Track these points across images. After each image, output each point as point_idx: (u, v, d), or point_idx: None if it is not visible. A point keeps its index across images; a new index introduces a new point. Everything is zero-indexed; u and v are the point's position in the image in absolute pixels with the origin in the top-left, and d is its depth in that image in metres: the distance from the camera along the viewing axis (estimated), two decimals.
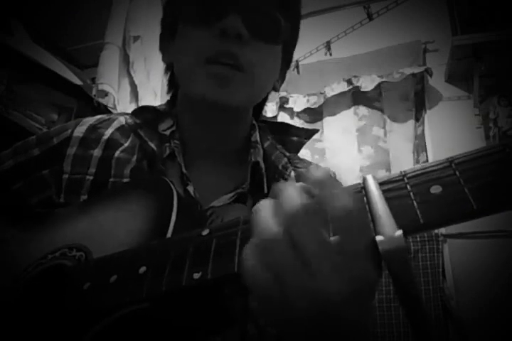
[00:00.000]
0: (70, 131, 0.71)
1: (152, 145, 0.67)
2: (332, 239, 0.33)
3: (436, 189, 0.33)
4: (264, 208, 0.35)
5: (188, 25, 0.65)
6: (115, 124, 0.72)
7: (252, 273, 0.34)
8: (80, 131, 0.71)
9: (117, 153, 0.68)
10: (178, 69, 0.68)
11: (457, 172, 0.33)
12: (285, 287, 0.33)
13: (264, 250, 0.34)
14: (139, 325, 0.43)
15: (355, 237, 0.33)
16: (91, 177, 0.66)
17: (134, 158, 0.67)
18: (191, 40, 0.64)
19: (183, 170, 0.66)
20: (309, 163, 0.77)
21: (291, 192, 0.35)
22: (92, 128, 0.71)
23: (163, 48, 0.74)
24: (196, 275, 0.38)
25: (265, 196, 0.65)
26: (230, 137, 0.71)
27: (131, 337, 0.44)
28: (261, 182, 0.68)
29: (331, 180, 0.35)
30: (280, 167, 0.71)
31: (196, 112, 0.69)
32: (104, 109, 2.00)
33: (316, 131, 0.79)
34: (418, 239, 2.10)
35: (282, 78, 0.77)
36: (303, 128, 0.79)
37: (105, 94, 2.13)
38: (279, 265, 0.33)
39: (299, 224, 0.33)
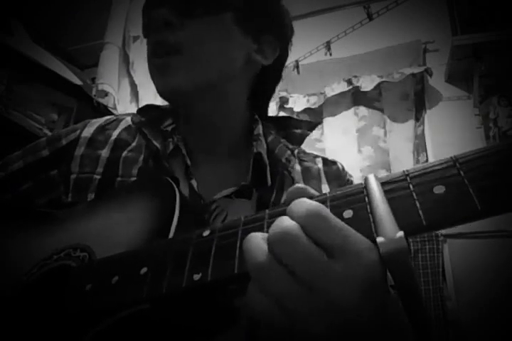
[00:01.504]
0: (78, 131, 0.72)
1: (156, 143, 0.68)
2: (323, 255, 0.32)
3: (439, 189, 0.32)
4: (253, 237, 0.35)
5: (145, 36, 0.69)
6: (122, 124, 0.73)
7: (253, 304, 0.33)
8: (88, 131, 0.72)
9: (125, 153, 0.68)
10: None
11: (461, 172, 0.32)
12: (291, 314, 0.32)
13: (259, 278, 0.33)
14: (139, 326, 0.43)
15: (346, 246, 0.32)
16: (98, 177, 0.66)
17: (141, 157, 0.68)
18: (146, 44, 0.67)
19: (188, 162, 0.67)
20: (315, 156, 0.77)
21: (279, 222, 0.34)
22: (101, 128, 0.72)
23: None
24: (196, 277, 0.38)
25: (269, 189, 0.66)
26: (224, 128, 0.71)
27: (132, 338, 0.44)
28: (264, 175, 0.68)
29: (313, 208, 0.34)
30: (284, 160, 0.71)
31: (177, 107, 0.72)
32: (104, 109, 2.00)
33: (318, 123, 0.80)
34: (418, 239, 2.10)
35: (270, 48, 0.71)
36: (305, 121, 0.79)
37: (105, 94, 2.14)
38: (275, 292, 0.32)
39: (283, 245, 0.32)
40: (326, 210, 0.33)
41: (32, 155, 0.72)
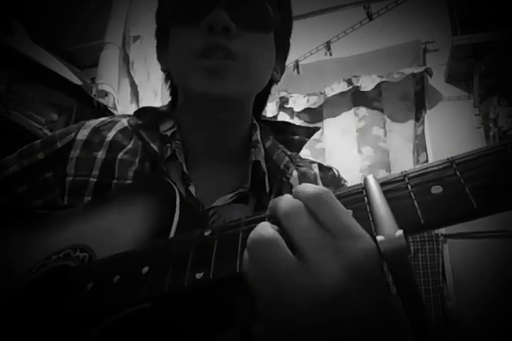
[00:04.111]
0: (73, 134, 0.72)
1: (154, 146, 0.67)
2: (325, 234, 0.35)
3: (437, 189, 0.33)
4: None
5: (177, 27, 0.66)
6: (118, 126, 0.72)
7: (245, 270, 0.35)
8: (83, 133, 0.71)
9: (120, 155, 0.68)
10: (172, 70, 0.69)
11: (458, 173, 0.33)
12: (276, 283, 0.34)
13: (253, 247, 0.35)
14: (141, 325, 0.43)
15: (344, 231, 0.34)
16: (94, 180, 0.66)
17: (137, 159, 0.67)
18: (181, 39, 0.65)
19: (185, 170, 0.66)
20: (311, 162, 0.77)
21: (285, 197, 0.37)
22: (96, 130, 0.72)
23: (160, 58, 0.75)
24: (198, 276, 0.38)
25: (267, 195, 0.66)
26: (231, 136, 0.71)
27: (134, 337, 0.44)
28: (262, 181, 0.68)
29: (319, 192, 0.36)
30: (282, 166, 0.71)
31: (196, 111, 0.69)
32: (104, 109, 2.00)
33: (316, 129, 0.79)
34: (418, 239, 2.10)
35: (281, 68, 0.76)
36: (304, 127, 0.79)
37: (105, 94, 2.14)
38: (267, 260, 0.34)
39: (291, 220, 0.35)
40: (332, 194, 0.36)
41: (27, 158, 0.72)
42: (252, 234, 0.36)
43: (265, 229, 0.36)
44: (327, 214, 0.34)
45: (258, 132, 0.74)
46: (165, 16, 0.71)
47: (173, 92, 0.77)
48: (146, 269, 0.43)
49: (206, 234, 0.42)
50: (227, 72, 0.61)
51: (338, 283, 0.32)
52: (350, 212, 0.35)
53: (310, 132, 0.78)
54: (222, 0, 0.62)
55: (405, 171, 0.36)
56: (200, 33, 0.62)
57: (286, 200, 0.37)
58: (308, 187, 0.36)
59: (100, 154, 0.68)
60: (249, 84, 0.65)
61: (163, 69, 0.74)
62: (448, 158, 0.34)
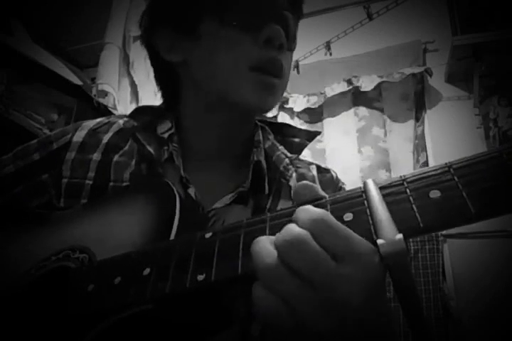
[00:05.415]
0: (69, 135, 0.71)
1: (150, 149, 0.67)
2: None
3: (435, 193, 0.33)
4: (262, 241, 0.36)
5: (226, 27, 0.63)
6: (114, 128, 0.72)
7: (262, 306, 0.34)
8: (79, 135, 0.71)
9: (116, 157, 0.67)
10: (210, 71, 0.64)
11: (455, 177, 0.33)
12: (297, 312, 0.33)
13: (266, 280, 0.34)
14: (142, 326, 0.43)
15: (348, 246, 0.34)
16: (90, 182, 0.66)
17: (133, 162, 0.67)
18: (231, 43, 0.63)
19: (182, 173, 0.66)
20: (309, 163, 0.77)
21: (287, 228, 0.35)
22: (92, 132, 0.71)
23: (176, 48, 0.67)
24: (200, 277, 0.39)
25: (265, 196, 0.66)
26: (237, 137, 0.72)
27: (134, 338, 0.44)
28: (262, 182, 0.68)
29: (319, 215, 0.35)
30: (281, 168, 0.71)
31: (213, 113, 0.68)
32: (104, 109, 2.01)
33: (318, 133, 0.78)
34: (418, 239, 2.10)
35: None
36: (304, 130, 0.79)
37: (105, 94, 2.14)
38: (282, 292, 0.33)
39: (294, 252, 0.34)
40: (330, 216, 0.35)
41: (23, 159, 0.71)
42: (260, 267, 0.34)
43: (268, 260, 0.34)
44: (330, 239, 0.34)
45: (260, 132, 0.74)
46: (203, 6, 0.65)
47: (174, 91, 0.73)
48: (147, 271, 0.43)
49: (207, 236, 0.42)
50: (274, 88, 0.64)
51: (360, 303, 0.33)
52: (350, 232, 0.34)
53: (310, 136, 0.78)
54: (277, 17, 0.63)
55: (404, 175, 0.36)
56: (257, 45, 0.62)
57: (290, 233, 0.34)
58: (305, 215, 0.35)
59: (96, 156, 0.68)
60: (279, 98, 0.68)
61: (173, 58, 0.68)
62: (446, 163, 0.35)
